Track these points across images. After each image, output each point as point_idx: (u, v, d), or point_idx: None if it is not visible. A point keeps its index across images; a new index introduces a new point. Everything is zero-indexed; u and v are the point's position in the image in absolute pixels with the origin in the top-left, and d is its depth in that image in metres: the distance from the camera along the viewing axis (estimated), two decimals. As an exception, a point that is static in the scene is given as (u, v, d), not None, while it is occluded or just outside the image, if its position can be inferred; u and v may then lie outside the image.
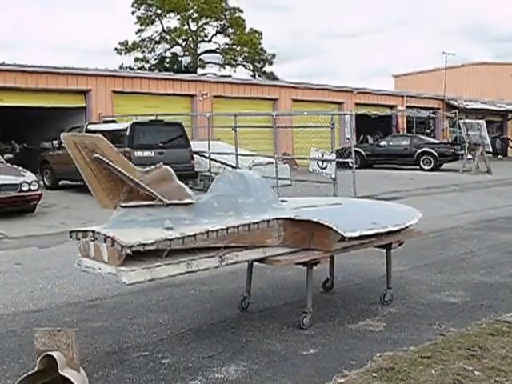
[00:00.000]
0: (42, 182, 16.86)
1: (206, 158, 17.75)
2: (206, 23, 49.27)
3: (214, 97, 25.27)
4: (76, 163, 4.22)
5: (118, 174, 4.28)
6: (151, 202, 4.38)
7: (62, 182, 16.97)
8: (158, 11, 47.98)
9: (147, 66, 49.23)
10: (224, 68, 49.89)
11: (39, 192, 11.98)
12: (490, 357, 4.37)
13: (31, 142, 22.14)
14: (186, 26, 48.96)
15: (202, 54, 49.99)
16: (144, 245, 4.07)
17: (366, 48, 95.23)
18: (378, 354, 4.51)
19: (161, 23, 48.72)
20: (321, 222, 4.89)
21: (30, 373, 3.78)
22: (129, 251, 4.00)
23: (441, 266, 7.63)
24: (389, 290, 5.95)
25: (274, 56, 50.61)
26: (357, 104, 30.02)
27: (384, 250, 6.05)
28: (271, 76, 49.19)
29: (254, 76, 49.70)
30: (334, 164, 13.41)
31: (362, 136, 29.14)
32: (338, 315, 5.59)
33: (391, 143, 25.92)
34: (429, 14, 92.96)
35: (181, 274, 4.40)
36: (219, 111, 22.79)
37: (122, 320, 5.47)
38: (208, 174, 17.53)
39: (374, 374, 4.05)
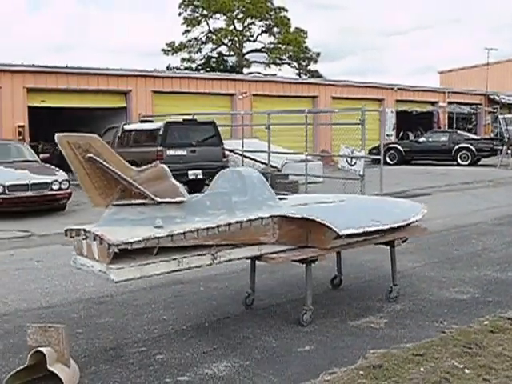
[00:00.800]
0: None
1: (243, 155, 17.88)
2: (251, 23, 49.52)
3: (254, 95, 25.36)
4: (69, 162, 4.33)
5: (112, 173, 4.37)
6: (143, 201, 4.46)
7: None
8: (205, 12, 48.45)
9: (193, 66, 49.82)
10: (269, 67, 50.12)
11: (69, 191, 12.28)
12: (484, 354, 4.29)
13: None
14: (232, 27, 49.28)
15: (247, 53, 50.30)
16: (131, 243, 4.15)
17: (415, 45, 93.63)
18: (371, 351, 4.48)
19: (207, 24, 49.22)
20: (315, 219, 4.88)
21: (18, 369, 3.91)
22: (116, 249, 4.08)
23: (455, 262, 7.51)
24: (394, 287, 5.89)
25: (318, 54, 50.50)
26: (398, 101, 29.65)
27: (390, 247, 5.95)
28: (316, 74, 49.05)
29: (299, 74, 49.71)
30: (363, 161, 13.28)
31: (402, 132, 28.73)
32: (342, 312, 5.57)
33: (430, 139, 25.51)
34: (479, 11, 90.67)
35: (172, 271, 4.46)
36: (259, 110, 22.83)
37: (127, 316, 5.59)
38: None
39: (361, 372, 4.03)
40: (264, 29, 50.08)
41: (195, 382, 4.08)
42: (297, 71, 50.77)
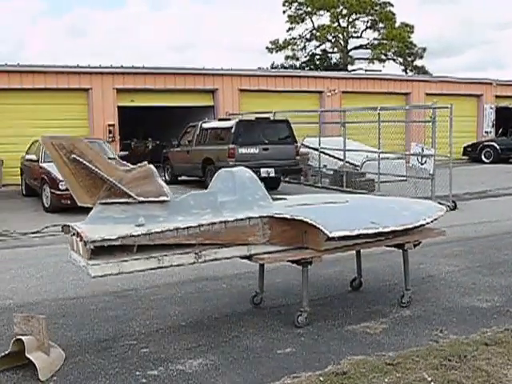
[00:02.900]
0: (163, 177, 18.00)
1: (320, 152, 17.78)
2: (356, 19, 48.93)
3: (343, 92, 25.07)
4: (54, 163, 4.58)
5: (95, 173, 4.57)
6: (127, 200, 4.63)
7: (181, 178, 17.89)
8: (309, 9, 48.45)
9: (297, 63, 50.01)
10: (373, 63, 49.26)
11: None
12: (461, 368, 4.07)
13: (164, 139, 23.59)
14: (336, 23, 48.94)
15: (352, 49, 49.73)
16: (107, 240, 4.33)
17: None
18: (348, 358, 4.39)
19: (311, 21, 49.17)
20: (303, 219, 4.84)
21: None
22: (92, 246, 4.28)
23: (496, 267, 7.11)
24: (407, 292, 5.70)
25: (424, 50, 48.91)
26: (497, 96, 28.09)
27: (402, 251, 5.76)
28: (421, 70, 47.63)
29: (405, 71, 48.51)
30: (433, 159, 12.78)
31: (501, 129, 27.24)
32: (345, 315, 5.46)
33: (530, 137, 24.03)
34: None
35: (151, 269, 4.60)
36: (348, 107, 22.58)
37: (138, 310, 5.80)
38: (318, 169, 17.59)
39: (321, 378, 3.96)
40: (369, 24, 49.30)
41: (162, 377, 4.20)
42: (402, 67, 49.54)
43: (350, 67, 47.81)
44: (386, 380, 3.91)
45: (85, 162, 4.54)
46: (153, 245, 4.57)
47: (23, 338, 4.26)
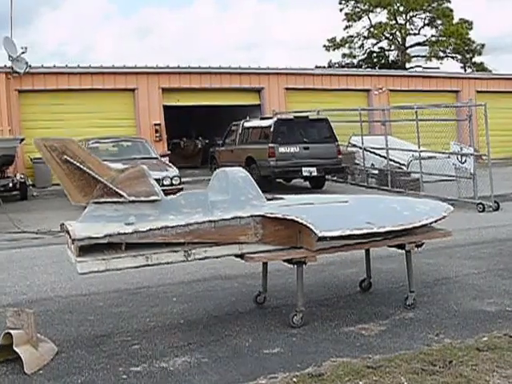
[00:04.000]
0: (210, 177, 18.15)
1: (363, 150, 17.55)
2: (413, 16, 48.01)
3: (390, 91, 24.65)
4: (48, 164, 4.70)
5: (87, 173, 4.67)
6: (119, 199, 4.70)
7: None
8: (366, 7, 47.89)
9: (355, 61, 49.49)
10: (430, 60, 48.23)
11: (180, 186, 12.92)
12: (444, 374, 3.93)
13: (213, 138, 23.80)
14: (394, 21, 48.16)
15: (409, 47, 48.82)
16: (95, 238, 4.42)
17: None
18: (331, 359, 4.32)
19: (368, 18, 48.58)
20: (294, 218, 4.79)
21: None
22: (79, 243, 4.38)
23: (518, 271, 6.83)
24: (411, 294, 5.55)
25: (483, 46, 47.42)
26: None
27: (414, 250, 5.61)
28: (480, 67, 46.28)
29: (464, 68, 47.31)
30: (473, 158, 12.40)
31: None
32: (346, 316, 5.37)
33: None
34: None
35: (139, 266, 4.66)
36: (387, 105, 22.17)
37: (144, 307, 5.88)
38: (363, 168, 17.35)
39: (295, 379, 3.92)
40: (426, 21, 48.26)
41: (143, 373, 4.24)
42: (461, 64, 48.25)
43: (407, 65, 46.94)
44: (361, 383, 3.82)
45: (76, 162, 4.64)
46: (143, 243, 4.64)
47: (12, 331, 4.39)
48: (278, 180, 15.99)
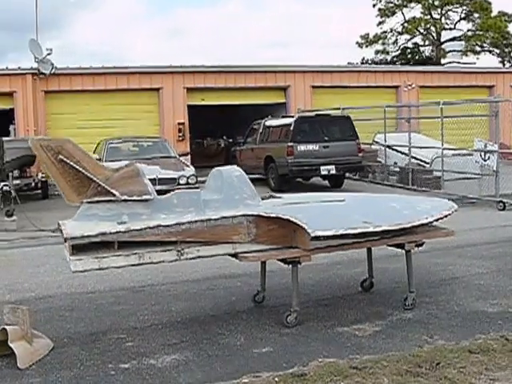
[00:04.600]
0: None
1: (386, 148, 17.38)
2: (449, 10, 47.29)
3: (420, 87, 24.31)
4: (43, 163, 4.78)
5: (80, 172, 4.74)
6: (112, 198, 4.76)
7: (250, 176, 17.96)
8: (399, 2, 47.36)
9: (388, 57, 49.01)
10: (466, 56, 47.42)
11: (197, 185, 12.97)
12: (428, 376, 3.88)
13: (236, 137, 23.85)
14: (429, 16, 47.53)
15: (444, 42, 48.12)
16: (87, 237, 4.48)
17: None
18: (319, 359, 4.30)
19: (402, 14, 48.05)
20: (289, 218, 4.78)
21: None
22: (71, 242, 4.45)
23: (530, 271, 6.69)
24: (410, 294, 5.48)
25: (522, 39, 46.45)
26: None
27: (414, 250, 5.54)
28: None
29: (502, 62, 46.39)
30: (496, 155, 12.16)
31: None
32: (342, 316, 5.34)
33: None
34: None
35: (132, 265, 4.71)
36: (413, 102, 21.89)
37: (145, 305, 5.93)
38: (385, 166, 17.18)
39: (277, 379, 3.91)
40: (462, 15, 47.46)
41: (131, 370, 4.30)
42: (499, 59, 47.31)
43: (442, 60, 46.24)
44: (342, 383, 3.80)
45: (71, 162, 4.71)
46: (136, 242, 4.69)
47: (7, 327, 4.49)
48: (297, 179, 15.94)
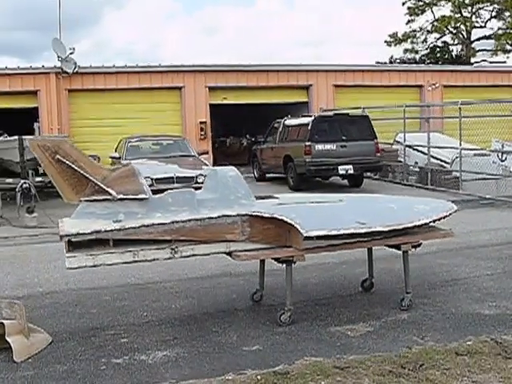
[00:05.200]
0: (252, 174, 18.28)
1: (405, 147, 17.25)
2: (480, 8, 46.63)
3: (444, 86, 24.05)
4: (41, 163, 4.92)
5: (77, 172, 4.86)
6: (108, 197, 4.87)
7: (270, 175, 18.00)
8: (429, 0, 46.86)
9: (417, 56, 48.56)
10: (496, 55, 46.72)
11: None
12: (409, 376, 3.90)
13: (257, 136, 23.90)
14: (458, 14, 46.92)
15: (474, 41, 47.47)
16: (82, 234, 4.61)
17: None
18: (305, 358, 4.35)
19: (431, 12, 47.54)
20: (282, 218, 4.83)
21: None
22: (67, 239, 4.58)
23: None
24: (407, 295, 5.49)
25: (553, 38, 45.51)
26: None
27: (410, 251, 5.55)
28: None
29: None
30: (513, 156, 12.04)
31: None
32: (337, 316, 5.37)
33: None
34: None
35: (126, 262, 4.82)
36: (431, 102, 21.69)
37: (146, 302, 6.05)
38: (404, 166, 17.06)
39: (259, 377, 3.97)
40: (493, 14, 46.74)
41: (123, 365, 4.41)
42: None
43: (472, 59, 45.60)
44: (323, 383, 3.84)
45: (68, 162, 4.84)
46: (132, 240, 4.80)
47: (5, 321, 4.63)
48: (315, 178, 15.95)
